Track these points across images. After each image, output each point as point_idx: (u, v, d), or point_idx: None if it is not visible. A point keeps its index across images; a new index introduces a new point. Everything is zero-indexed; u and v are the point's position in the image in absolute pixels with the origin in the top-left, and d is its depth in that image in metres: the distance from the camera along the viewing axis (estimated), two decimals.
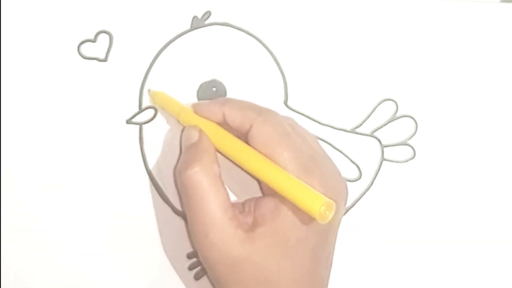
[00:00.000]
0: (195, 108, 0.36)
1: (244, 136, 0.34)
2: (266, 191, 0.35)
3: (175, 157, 0.38)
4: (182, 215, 0.38)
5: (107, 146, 0.38)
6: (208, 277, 0.38)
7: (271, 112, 0.34)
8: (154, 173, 0.38)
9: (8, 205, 0.38)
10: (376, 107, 0.39)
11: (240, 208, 0.34)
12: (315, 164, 0.33)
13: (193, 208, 0.33)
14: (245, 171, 0.34)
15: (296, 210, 0.31)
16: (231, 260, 0.32)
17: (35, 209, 0.38)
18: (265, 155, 0.32)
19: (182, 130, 0.37)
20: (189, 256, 0.38)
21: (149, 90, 0.38)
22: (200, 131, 0.35)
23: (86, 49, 0.38)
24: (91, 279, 0.38)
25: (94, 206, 0.38)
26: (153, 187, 0.38)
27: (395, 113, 0.39)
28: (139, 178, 0.38)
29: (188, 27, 0.38)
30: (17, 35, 0.38)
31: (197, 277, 0.38)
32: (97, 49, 0.38)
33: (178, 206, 0.38)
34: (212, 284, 0.37)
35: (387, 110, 0.39)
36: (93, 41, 0.38)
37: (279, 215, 0.32)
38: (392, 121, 0.39)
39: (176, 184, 0.38)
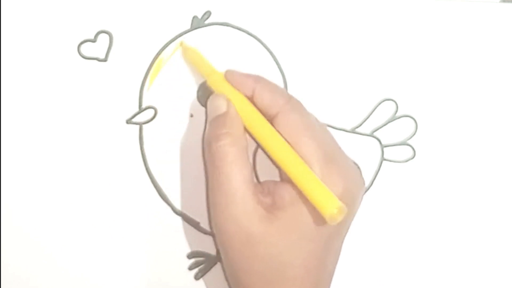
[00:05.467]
0: (227, 75, 0.35)
1: (267, 119, 0.34)
2: (285, 177, 0.35)
3: (175, 157, 0.38)
4: (182, 215, 0.38)
5: (107, 146, 0.38)
6: (222, 260, 0.38)
7: (299, 102, 0.35)
8: (154, 173, 0.38)
9: (8, 205, 0.38)
10: (376, 107, 0.39)
11: (259, 187, 0.34)
12: (337, 156, 0.34)
13: (218, 179, 0.33)
14: (265, 153, 0.34)
15: None
16: (247, 235, 0.32)
17: (35, 209, 0.38)
18: (289, 143, 0.33)
19: (206, 100, 0.36)
20: (189, 256, 0.38)
21: (181, 43, 0.38)
22: (228, 101, 0.34)
23: (86, 49, 0.38)
24: (91, 279, 0.38)
25: (94, 206, 0.38)
26: (153, 187, 0.38)
27: (395, 113, 0.39)
28: (139, 178, 0.38)
29: (188, 27, 0.38)
30: (17, 35, 0.38)
31: (197, 277, 0.38)
32: (97, 49, 0.38)
33: (178, 206, 0.38)
34: (222, 263, 0.37)
35: (387, 110, 0.39)
36: (93, 41, 0.38)
37: (299, 201, 0.32)
38: (392, 121, 0.39)
39: (203, 154, 0.37)
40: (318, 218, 0.32)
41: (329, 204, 0.31)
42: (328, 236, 0.33)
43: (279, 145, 0.33)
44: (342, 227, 0.34)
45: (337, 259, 0.35)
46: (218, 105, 0.34)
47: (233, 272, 0.34)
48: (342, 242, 0.35)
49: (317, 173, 0.32)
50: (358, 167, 0.38)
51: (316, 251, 0.33)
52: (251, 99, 0.34)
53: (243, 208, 0.32)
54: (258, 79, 0.35)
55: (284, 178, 0.35)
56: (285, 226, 0.32)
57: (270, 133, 0.33)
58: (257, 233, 0.32)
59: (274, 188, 0.34)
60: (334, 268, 0.35)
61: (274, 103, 0.34)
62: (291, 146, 0.33)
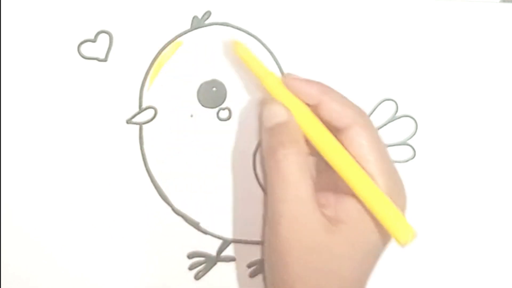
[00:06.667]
0: (286, 81, 0.34)
1: (331, 131, 0.33)
2: (348, 191, 0.33)
3: (175, 157, 0.38)
4: (182, 215, 0.38)
5: (107, 146, 0.38)
6: (265, 263, 0.37)
7: (368, 116, 0.34)
8: (154, 173, 0.38)
9: (8, 205, 0.38)
10: (376, 107, 0.39)
11: (321, 199, 0.33)
12: (396, 174, 0.33)
13: (283, 187, 0.32)
14: (327, 163, 0.33)
15: None
16: (312, 244, 0.31)
17: (35, 209, 0.38)
18: (355, 158, 0.32)
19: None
20: (189, 256, 0.38)
21: (232, 40, 0.37)
22: (288, 110, 0.33)
23: (86, 49, 0.38)
24: (91, 279, 0.38)
25: (94, 206, 0.38)
26: (153, 187, 0.38)
27: (395, 113, 0.39)
28: (139, 178, 0.38)
29: (188, 27, 0.38)
30: (17, 35, 0.38)
31: (197, 277, 0.38)
32: (97, 49, 0.38)
33: (178, 206, 0.38)
34: (267, 271, 0.35)
35: (387, 110, 0.39)
36: (93, 41, 0.38)
37: (364, 218, 0.32)
38: (392, 121, 0.39)
39: (262, 164, 0.37)
40: (381, 236, 0.32)
41: (405, 230, 0.31)
42: (379, 255, 0.33)
43: (348, 162, 0.32)
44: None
45: None
46: (277, 112, 0.33)
47: (287, 280, 0.32)
48: None
49: (381, 187, 0.32)
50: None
51: (368, 268, 0.33)
52: (313, 107, 0.33)
53: (310, 217, 0.31)
54: (324, 89, 0.34)
55: (346, 191, 0.33)
56: (349, 240, 0.32)
57: (337, 147, 0.32)
58: (322, 244, 0.31)
59: (336, 200, 0.33)
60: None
61: (343, 117, 0.33)
62: (358, 162, 0.32)
